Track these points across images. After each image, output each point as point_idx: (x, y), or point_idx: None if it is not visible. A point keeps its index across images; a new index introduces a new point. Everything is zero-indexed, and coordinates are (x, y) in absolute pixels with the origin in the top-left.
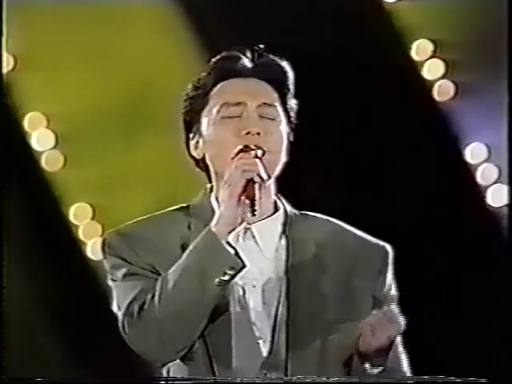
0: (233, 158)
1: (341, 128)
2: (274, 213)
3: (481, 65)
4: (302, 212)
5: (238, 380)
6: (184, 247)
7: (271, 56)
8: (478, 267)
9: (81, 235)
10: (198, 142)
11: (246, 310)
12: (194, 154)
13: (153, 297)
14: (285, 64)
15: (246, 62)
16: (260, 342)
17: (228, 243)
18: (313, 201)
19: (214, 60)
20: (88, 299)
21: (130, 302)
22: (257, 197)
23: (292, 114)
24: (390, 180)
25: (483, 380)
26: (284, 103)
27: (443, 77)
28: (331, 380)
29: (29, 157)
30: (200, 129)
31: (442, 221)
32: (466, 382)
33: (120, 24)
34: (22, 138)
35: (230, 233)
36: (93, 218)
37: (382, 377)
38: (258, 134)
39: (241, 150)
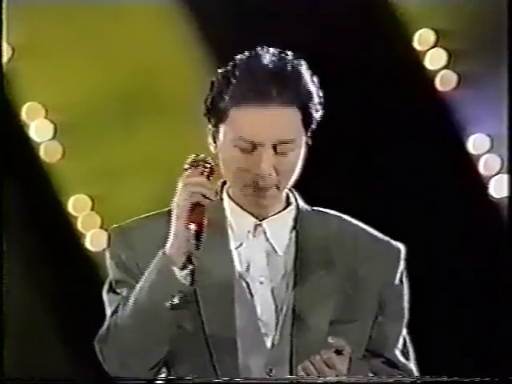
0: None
1: (342, 119)
2: (285, 208)
3: (483, 55)
4: (314, 208)
5: (241, 380)
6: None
7: (292, 68)
8: (479, 259)
9: (80, 227)
10: (213, 139)
11: (251, 306)
12: (211, 147)
13: (116, 318)
14: (307, 76)
15: (266, 84)
16: (266, 338)
17: (184, 263)
18: (320, 196)
19: (233, 76)
20: (87, 291)
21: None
22: (204, 222)
23: (313, 125)
24: (390, 171)
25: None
26: (306, 119)
27: (445, 67)
28: (332, 380)
29: (27, 148)
30: (217, 133)
31: (444, 212)
32: (474, 381)
33: (119, 14)
34: (20, 129)
35: (185, 253)
36: (92, 210)
37: (383, 377)
38: (269, 174)
39: (189, 165)
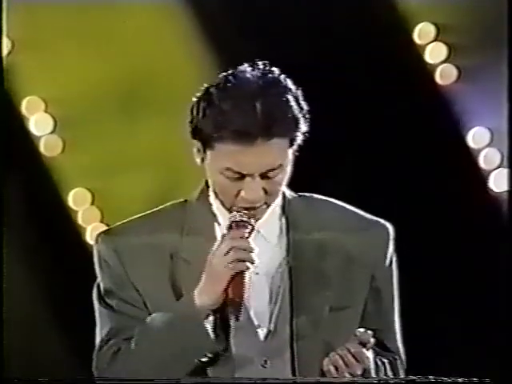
0: (228, 229)
1: (342, 112)
2: None
3: (483, 48)
4: (300, 194)
5: (239, 380)
6: (173, 257)
7: (278, 98)
8: (479, 252)
9: (80, 220)
10: (201, 159)
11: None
12: (196, 158)
13: (129, 345)
14: (293, 101)
15: (252, 123)
16: (259, 330)
17: (208, 314)
18: (312, 184)
19: (217, 107)
20: (88, 285)
21: (104, 339)
22: (245, 293)
23: (300, 140)
24: (391, 165)
25: (487, 380)
26: (293, 143)
27: (446, 60)
28: (334, 380)
29: (27, 142)
30: (204, 155)
31: (444, 206)
32: (469, 382)
33: (119, 9)
34: (19, 123)
35: (213, 307)
36: (92, 204)
37: (382, 377)
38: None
39: (233, 222)
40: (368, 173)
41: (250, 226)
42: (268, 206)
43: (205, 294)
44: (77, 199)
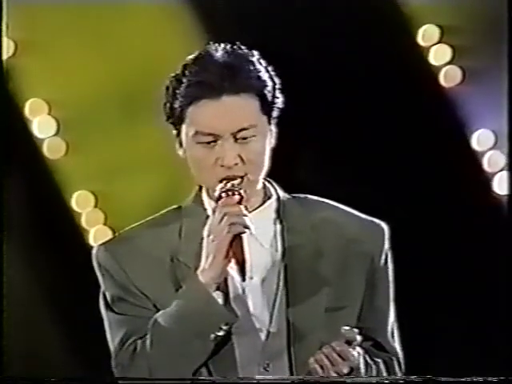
0: (216, 201)
1: (346, 114)
2: (265, 201)
3: (488, 50)
4: (294, 195)
5: (239, 380)
6: (173, 260)
7: (243, 59)
8: (482, 255)
9: (83, 223)
10: (179, 144)
11: (244, 304)
12: (179, 152)
13: (144, 342)
14: (259, 65)
15: (217, 76)
16: (261, 333)
17: (218, 287)
18: (311, 184)
19: (184, 76)
20: (90, 288)
21: (120, 343)
22: (246, 255)
23: (274, 112)
24: (394, 167)
25: (488, 379)
26: (264, 106)
27: (450, 62)
28: (333, 380)
29: (30, 144)
30: (180, 134)
31: (448, 208)
32: (469, 381)
33: (122, 10)
34: (22, 125)
35: (218, 280)
36: (95, 206)
37: (383, 377)
38: (236, 163)
39: (222, 192)
40: (371, 175)
41: (237, 193)
42: (249, 179)
43: (208, 270)
44: (80, 201)
